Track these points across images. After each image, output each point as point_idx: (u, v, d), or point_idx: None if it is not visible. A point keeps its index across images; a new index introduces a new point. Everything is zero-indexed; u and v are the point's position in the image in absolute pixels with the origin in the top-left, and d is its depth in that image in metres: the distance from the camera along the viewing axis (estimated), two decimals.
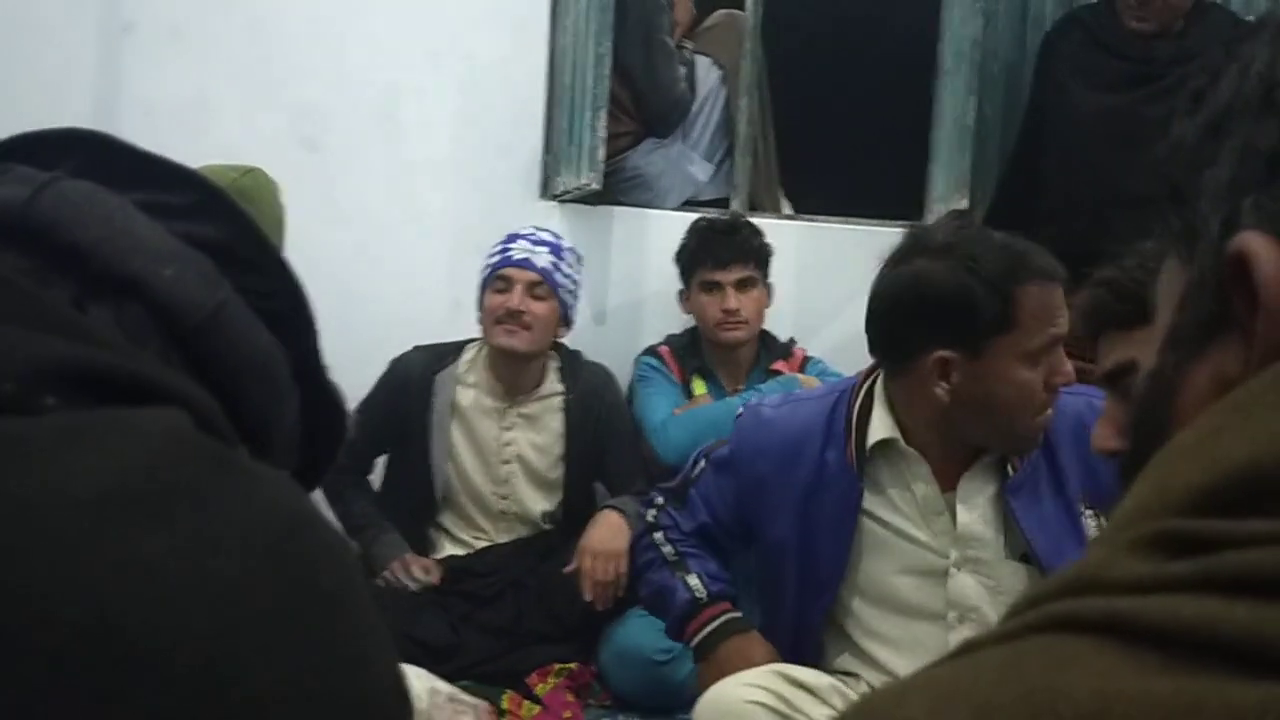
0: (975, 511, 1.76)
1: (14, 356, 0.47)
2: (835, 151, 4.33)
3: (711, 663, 1.87)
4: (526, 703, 2.49)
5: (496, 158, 3.19)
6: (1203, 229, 0.45)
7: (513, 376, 2.73)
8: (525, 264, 2.65)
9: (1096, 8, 3.01)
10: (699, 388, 2.89)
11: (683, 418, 2.76)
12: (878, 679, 1.80)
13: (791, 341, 2.98)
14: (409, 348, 2.78)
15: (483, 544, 2.76)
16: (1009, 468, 1.76)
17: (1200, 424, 0.39)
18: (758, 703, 1.68)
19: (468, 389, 2.75)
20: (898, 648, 1.80)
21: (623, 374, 2.92)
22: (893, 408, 1.78)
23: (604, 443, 2.78)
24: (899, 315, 1.69)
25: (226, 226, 0.61)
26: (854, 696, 1.74)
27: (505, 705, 2.46)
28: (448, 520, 2.78)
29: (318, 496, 2.57)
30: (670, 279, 3.01)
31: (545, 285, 2.66)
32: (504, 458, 2.74)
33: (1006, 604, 1.78)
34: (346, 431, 0.70)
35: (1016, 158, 3.08)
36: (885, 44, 4.40)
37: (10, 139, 0.61)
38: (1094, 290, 1.42)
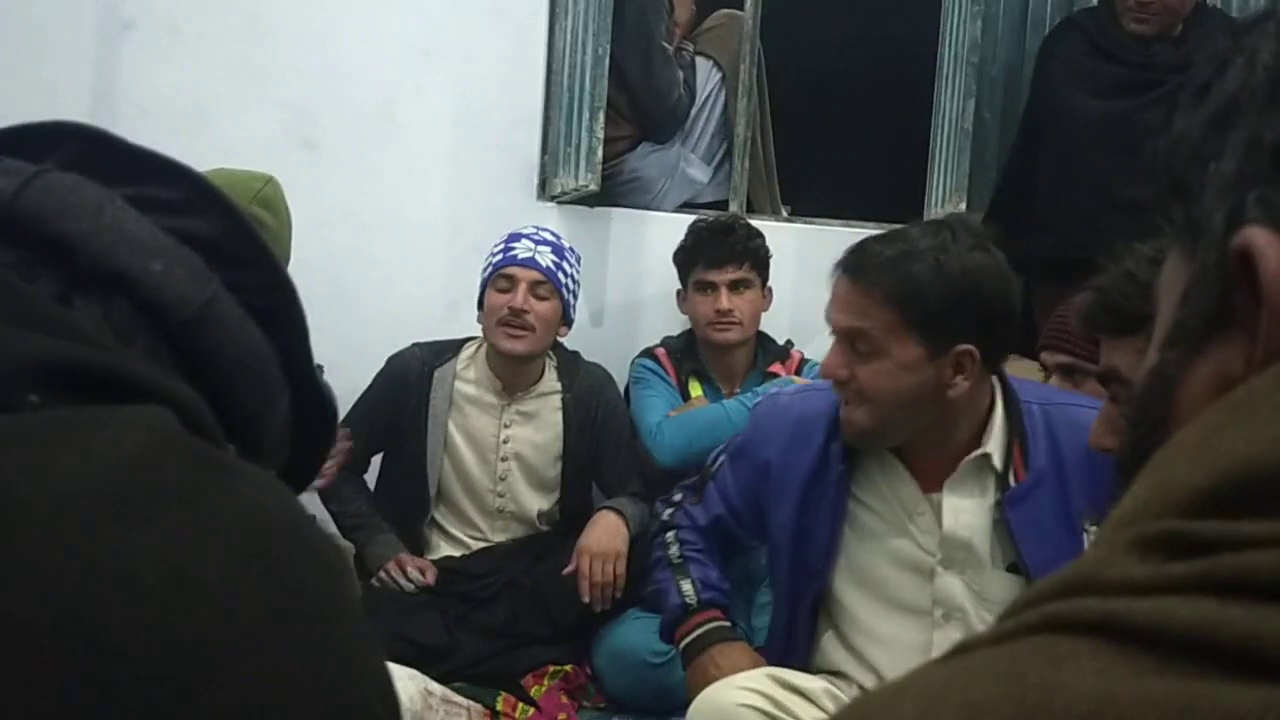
0: (964, 516, 1.74)
1: None
2: (834, 154, 4.34)
3: (695, 667, 1.90)
4: (521, 704, 2.49)
5: (494, 159, 3.19)
6: (1206, 224, 0.44)
7: (511, 374, 2.73)
8: (529, 263, 2.65)
9: (1095, 13, 3.01)
10: (695, 390, 2.88)
11: (678, 420, 2.76)
12: (864, 675, 1.81)
13: (789, 344, 2.97)
14: (406, 346, 2.78)
15: (478, 544, 2.76)
16: (1011, 478, 1.73)
17: (1201, 422, 0.39)
18: (749, 705, 1.68)
19: (466, 384, 2.74)
20: (884, 643, 1.80)
21: (619, 376, 2.92)
22: None
23: (600, 442, 2.78)
24: (949, 300, 1.64)
25: (217, 223, 0.60)
26: (846, 699, 1.74)
27: (500, 707, 2.46)
28: (443, 519, 2.77)
29: (311, 495, 2.57)
30: (667, 281, 3.01)
31: (548, 284, 2.66)
32: (502, 454, 2.74)
33: (992, 609, 1.76)
34: (335, 432, 0.69)
35: (1013, 162, 3.08)
36: (884, 47, 4.41)
37: (0, 131, 0.61)
38: (1088, 296, 1.43)
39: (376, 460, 2.85)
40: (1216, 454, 0.37)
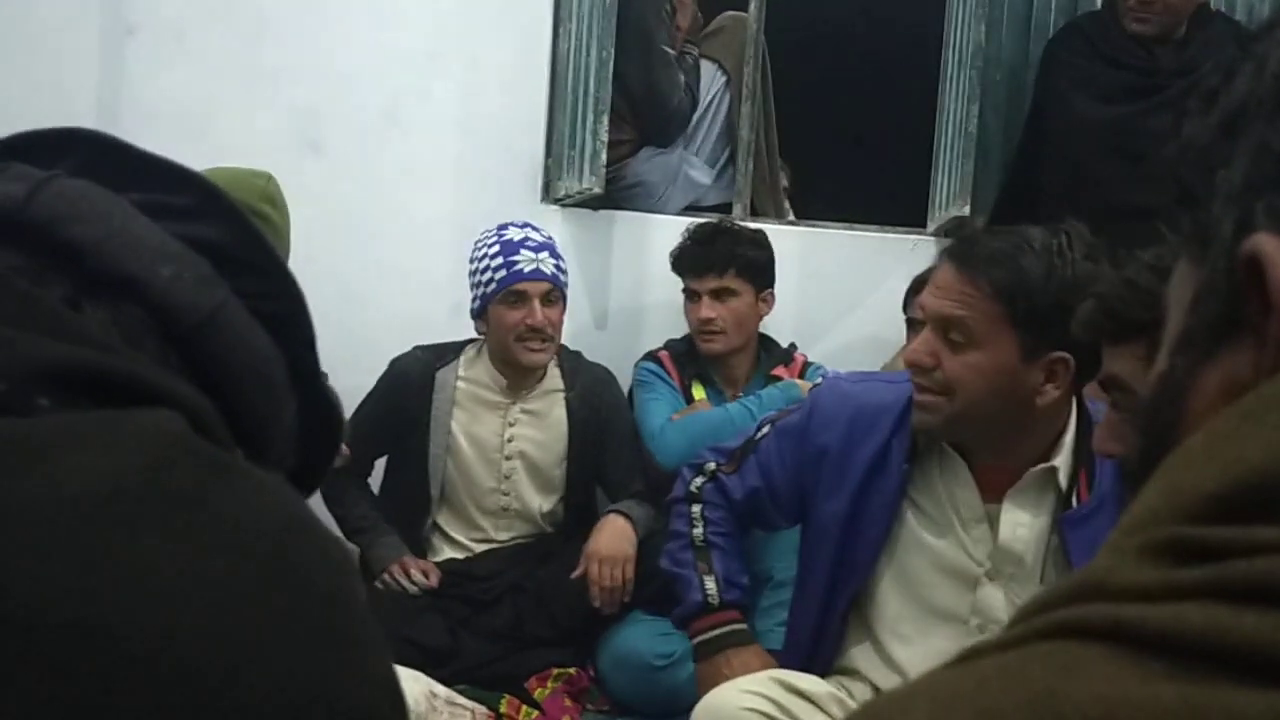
0: (1021, 530, 1.70)
1: (7, 357, 0.47)
2: (837, 157, 4.34)
3: (707, 666, 1.89)
4: (525, 707, 2.49)
5: (499, 161, 3.19)
6: (1215, 231, 0.44)
7: (517, 374, 2.73)
8: (536, 275, 2.64)
9: (1098, 17, 3.01)
10: (698, 393, 2.88)
11: (681, 423, 2.76)
12: (888, 677, 1.79)
13: (793, 346, 2.97)
14: (409, 349, 2.78)
15: (481, 546, 2.76)
16: (1074, 498, 1.69)
17: (1210, 429, 0.39)
18: (755, 710, 1.67)
19: (470, 385, 2.75)
20: (915, 646, 1.77)
21: (623, 379, 2.92)
22: None
23: (604, 442, 2.78)
24: (1057, 303, 1.57)
25: (225, 228, 0.60)
26: (853, 704, 1.73)
27: (503, 710, 2.46)
28: (446, 521, 2.77)
29: (315, 499, 2.57)
30: (670, 284, 3.01)
31: (556, 290, 2.67)
32: (506, 454, 2.74)
33: None
34: (342, 436, 0.69)
35: (1017, 166, 3.08)
36: (888, 51, 4.41)
37: (10, 137, 0.61)
38: (1089, 302, 1.43)
39: (380, 463, 2.85)
40: (1227, 460, 0.37)
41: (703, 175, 3.32)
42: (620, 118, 3.18)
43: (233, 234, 0.60)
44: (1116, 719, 0.33)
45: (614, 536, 2.63)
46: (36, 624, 0.39)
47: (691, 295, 2.84)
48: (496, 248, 2.67)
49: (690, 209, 3.28)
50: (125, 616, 0.40)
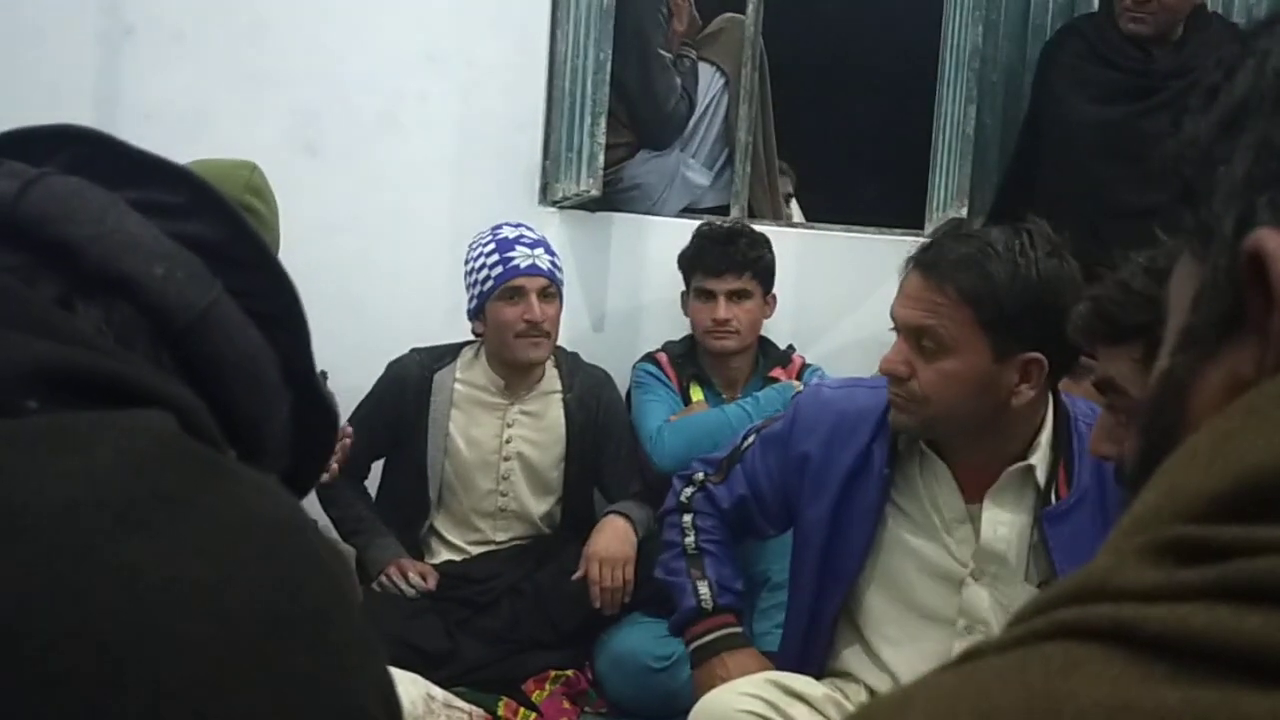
0: (1001, 529, 1.71)
1: None
2: (835, 159, 4.34)
3: (703, 670, 1.90)
4: (523, 710, 2.49)
5: (496, 164, 3.19)
6: (1216, 228, 0.44)
7: (515, 375, 2.73)
8: (533, 270, 2.64)
9: (1095, 18, 3.01)
10: (696, 395, 2.88)
11: (679, 425, 2.76)
12: (880, 679, 1.79)
13: (790, 348, 2.97)
14: (407, 351, 2.78)
15: (479, 549, 2.75)
16: (1052, 495, 1.70)
17: (1213, 427, 0.39)
18: (751, 711, 1.67)
19: (467, 387, 2.74)
20: (904, 648, 1.78)
21: (620, 381, 2.92)
22: None
23: (602, 443, 2.78)
24: (1024, 304, 1.60)
25: (219, 226, 0.60)
26: (849, 706, 1.73)
27: (501, 712, 2.46)
28: (444, 523, 2.77)
29: (311, 500, 2.57)
30: (668, 286, 3.01)
31: (553, 286, 2.67)
32: (504, 454, 2.73)
33: None
34: (336, 436, 0.69)
35: (1014, 167, 3.08)
36: (886, 52, 4.41)
37: (1, 134, 0.60)
38: (1083, 305, 1.43)
39: (376, 466, 2.85)
40: (1229, 459, 0.37)
41: (700, 177, 3.32)
42: (617, 121, 3.18)
43: (226, 232, 0.60)
44: None
45: (614, 537, 2.63)
46: (26, 628, 0.39)
47: (704, 295, 2.84)
48: (492, 245, 2.68)
49: (688, 211, 3.28)
50: (116, 620, 0.40)
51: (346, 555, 2.51)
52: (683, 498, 2.02)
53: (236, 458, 0.56)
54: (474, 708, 2.32)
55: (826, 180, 4.16)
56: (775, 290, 2.93)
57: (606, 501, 2.80)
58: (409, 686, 2.11)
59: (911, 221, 3.30)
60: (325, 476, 2.41)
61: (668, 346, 2.95)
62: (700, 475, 2.01)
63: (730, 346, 2.84)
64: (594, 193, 3.05)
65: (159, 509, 0.43)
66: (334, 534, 2.67)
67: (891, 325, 1.70)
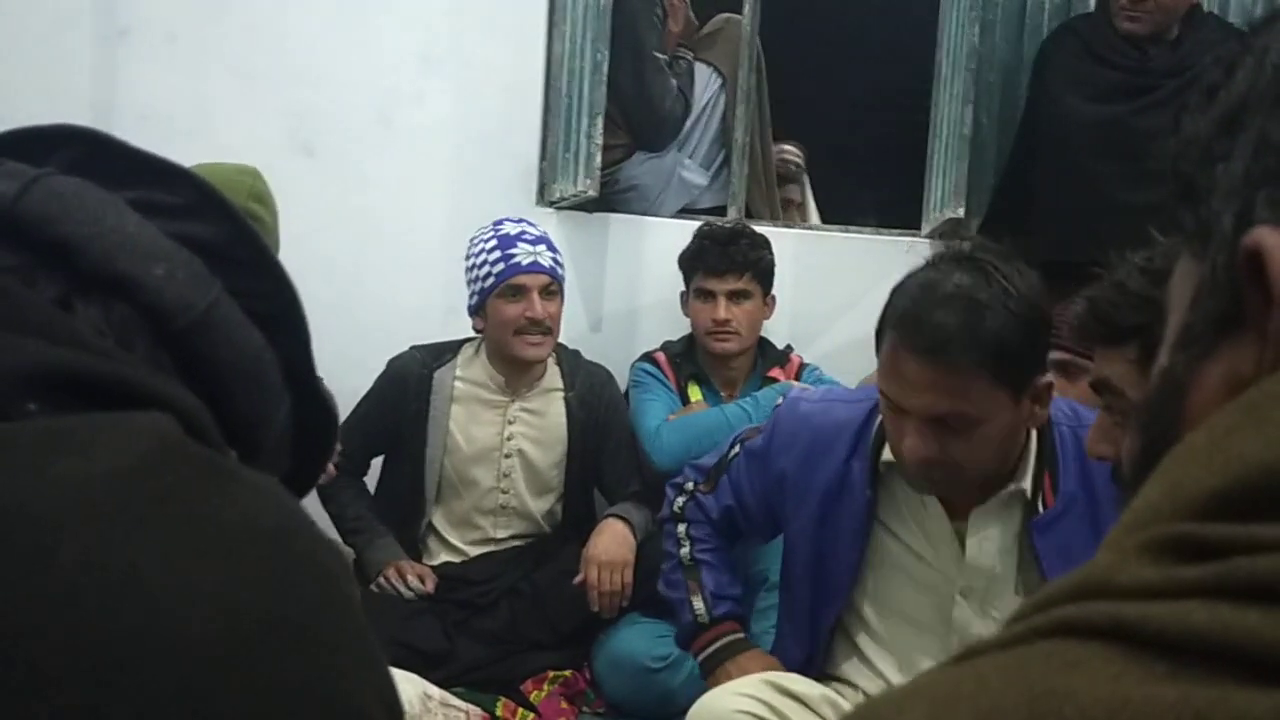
0: (988, 544, 1.69)
1: None
2: (832, 160, 4.34)
3: (713, 681, 1.89)
4: (521, 710, 2.48)
5: (493, 165, 3.19)
6: (1215, 225, 0.44)
7: (516, 372, 2.72)
8: (535, 267, 2.63)
9: (1092, 18, 3.01)
10: (695, 394, 2.88)
11: (677, 424, 2.76)
12: (875, 685, 1.79)
13: (788, 348, 2.97)
14: (405, 350, 2.78)
15: (478, 549, 2.75)
16: (1039, 504, 1.67)
17: (1212, 425, 0.39)
18: (747, 712, 1.67)
19: (468, 385, 2.74)
20: (902, 658, 1.78)
21: (619, 380, 2.91)
22: None
23: (603, 442, 2.77)
24: (1026, 339, 1.53)
25: (219, 227, 0.60)
26: (846, 706, 1.73)
27: (499, 712, 2.45)
28: (443, 521, 2.76)
29: (312, 499, 2.57)
30: (666, 286, 3.01)
31: (555, 283, 2.67)
32: (505, 452, 2.73)
33: None
34: (336, 437, 0.69)
35: (1011, 167, 3.08)
36: (882, 53, 4.41)
37: (1, 134, 0.60)
38: (1079, 307, 1.43)
39: (375, 464, 2.85)
40: (1229, 457, 0.37)
41: (697, 177, 3.32)
42: (613, 123, 3.18)
43: (226, 232, 0.60)
44: (1119, 719, 0.32)
45: (613, 541, 2.63)
46: (24, 631, 0.38)
47: (704, 295, 2.84)
48: (493, 242, 2.67)
49: (685, 212, 3.28)
50: (115, 622, 0.40)
51: (345, 556, 2.51)
52: (675, 507, 2.04)
53: (237, 458, 0.56)
54: (472, 708, 2.32)
55: (823, 181, 4.16)
56: (774, 290, 2.93)
57: (606, 501, 2.80)
58: (406, 687, 2.11)
59: (909, 222, 3.30)
60: (322, 478, 2.42)
61: (666, 346, 2.95)
62: (690, 485, 2.03)
63: (731, 348, 2.84)
64: (591, 193, 3.05)
65: (158, 512, 0.43)
66: (333, 533, 2.67)
67: (889, 402, 1.60)
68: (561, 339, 2.78)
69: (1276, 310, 0.40)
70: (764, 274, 2.86)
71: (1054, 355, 2.17)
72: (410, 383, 2.70)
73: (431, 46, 3.18)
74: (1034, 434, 1.69)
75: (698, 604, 1.96)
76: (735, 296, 2.82)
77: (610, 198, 3.22)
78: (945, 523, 1.72)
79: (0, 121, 0.66)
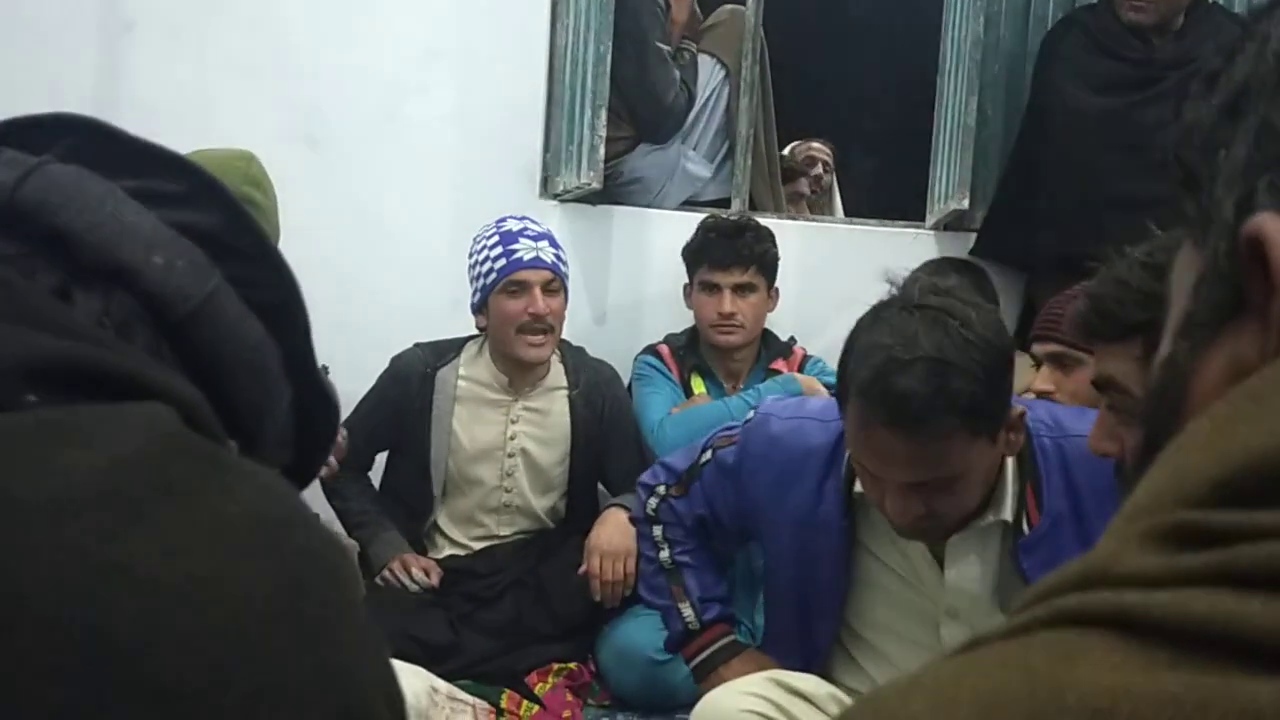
0: (969, 569, 1.67)
1: None
2: (836, 151, 4.34)
3: (707, 685, 1.88)
4: (525, 702, 2.49)
5: (497, 156, 3.19)
6: (1217, 213, 0.44)
7: (519, 371, 2.72)
8: (536, 263, 2.63)
9: (1096, 9, 3.01)
10: (698, 387, 2.88)
11: (680, 417, 2.76)
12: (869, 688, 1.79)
13: (792, 340, 2.97)
14: (409, 345, 2.77)
15: (482, 544, 2.75)
16: (1024, 525, 1.63)
17: (1215, 412, 0.38)
18: (753, 711, 1.66)
19: (471, 384, 2.74)
20: (895, 664, 1.77)
21: (622, 373, 2.91)
22: None
23: (607, 440, 2.77)
24: (994, 382, 1.49)
25: (219, 216, 0.60)
26: (849, 702, 1.73)
27: (504, 705, 2.46)
28: (446, 521, 2.77)
29: (316, 493, 2.57)
30: (670, 279, 3.00)
31: (557, 279, 2.66)
32: (509, 450, 2.73)
33: None
34: (337, 428, 0.68)
35: (1015, 158, 3.07)
36: (887, 44, 4.40)
37: (1, 123, 0.60)
38: (1081, 303, 1.41)
39: (380, 460, 2.85)
40: (1231, 444, 0.36)
41: (701, 169, 3.31)
42: (617, 115, 3.17)
43: (226, 221, 0.59)
44: (1120, 708, 0.32)
45: (615, 530, 2.63)
46: (26, 622, 0.38)
47: (709, 288, 2.83)
48: (495, 238, 2.66)
49: (689, 203, 3.27)
50: (116, 614, 0.39)
51: (349, 549, 2.51)
52: (649, 509, 2.00)
53: (237, 449, 0.56)
54: (477, 700, 2.32)
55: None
56: (777, 283, 2.93)
57: (610, 495, 2.80)
58: (412, 679, 2.11)
59: (913, 214, 3.30)
60: (324, 472, 2.42)
61: (669, 339, 2.95)
62: (662, 488, 1.98)
63: (735, 341, 2.84)
64: (595, 186, 3.04)
65: (159, 503, 0.43)
66: (338, 527, 2.67)
67: (864, 469, 1.58)
68: (565, 333, 2.78)
69: (1278, 297, 0.40)
70: (769, 267, 2.85)
71: (1048, 348, 2.17)
72: (413, 382, 2.70)
73: (435, 39, 3.18)
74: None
75: (686, 611, 1.94)
76: (740, 289, 2.82)
77: (614, 190, 3.21)
78: (923, 549, 1.71)
79: (5, 115, 0.65)
